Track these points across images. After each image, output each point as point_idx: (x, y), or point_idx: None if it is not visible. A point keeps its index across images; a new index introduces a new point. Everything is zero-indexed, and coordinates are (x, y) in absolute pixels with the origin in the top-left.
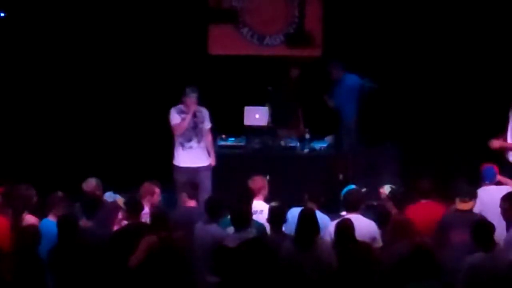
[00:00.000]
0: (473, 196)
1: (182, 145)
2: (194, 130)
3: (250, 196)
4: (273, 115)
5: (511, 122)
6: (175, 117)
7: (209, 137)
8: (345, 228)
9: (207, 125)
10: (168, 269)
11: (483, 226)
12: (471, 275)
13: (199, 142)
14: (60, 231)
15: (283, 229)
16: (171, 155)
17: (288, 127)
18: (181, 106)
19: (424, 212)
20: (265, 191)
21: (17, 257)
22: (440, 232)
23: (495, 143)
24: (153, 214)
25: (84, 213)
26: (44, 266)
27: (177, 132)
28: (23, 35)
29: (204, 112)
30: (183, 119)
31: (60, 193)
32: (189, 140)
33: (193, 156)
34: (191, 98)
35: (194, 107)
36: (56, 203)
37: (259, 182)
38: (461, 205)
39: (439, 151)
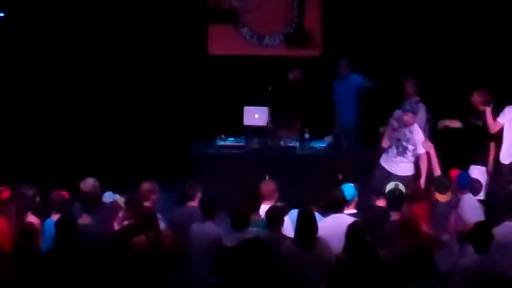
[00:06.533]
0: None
1: None
2: None
3: (256, 198)
4: (272, 115)
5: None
6: None
7: None
8: (356, 232)
9: None
10: (158, 268)
11: (480, 229)
12: (466, 278)
13: None
14: (58, 232)
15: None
16: (170, 154)
17: (286, 128)
18: None
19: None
20: (276, 195)
21: (17, 257)
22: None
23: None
24: (141, 214)
25: (84, 210)
26: (44, 266)
27: None
28: (22, 35)
29: None
30: None
31: (64, 193)
32: None
33: None
34: None
35: None
36: (60, 203)
37: (271, 185)
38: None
39: (439, 151)
